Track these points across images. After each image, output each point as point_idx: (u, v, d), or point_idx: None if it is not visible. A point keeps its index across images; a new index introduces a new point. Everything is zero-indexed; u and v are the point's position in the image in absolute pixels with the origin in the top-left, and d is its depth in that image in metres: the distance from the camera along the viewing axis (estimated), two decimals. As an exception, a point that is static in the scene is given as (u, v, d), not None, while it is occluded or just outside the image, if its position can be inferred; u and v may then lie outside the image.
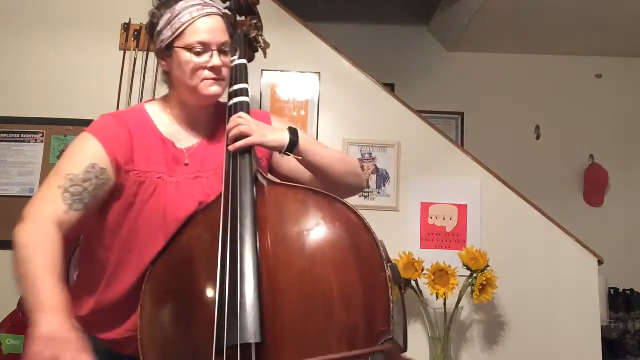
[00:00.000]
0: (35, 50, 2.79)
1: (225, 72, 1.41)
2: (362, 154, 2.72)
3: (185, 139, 1.45)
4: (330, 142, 2.71)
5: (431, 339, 2.46)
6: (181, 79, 1.39)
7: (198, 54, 1.36)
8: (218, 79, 1.39)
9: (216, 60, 1.37)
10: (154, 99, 1.54)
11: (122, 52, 2.77)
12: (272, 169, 1.56)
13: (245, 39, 1.60)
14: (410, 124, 2.78)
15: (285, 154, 1.41)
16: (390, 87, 3.51)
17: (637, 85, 4.46)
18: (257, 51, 1.66)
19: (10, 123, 2.73)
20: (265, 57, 1.66)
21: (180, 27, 1.35)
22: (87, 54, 2.79)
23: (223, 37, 1.39)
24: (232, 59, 1.46)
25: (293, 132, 1.42)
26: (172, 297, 1.32)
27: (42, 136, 2.73)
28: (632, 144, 4.39)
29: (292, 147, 1.41)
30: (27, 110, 2.74)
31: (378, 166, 2.71)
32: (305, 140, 1.44)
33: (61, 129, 2.72)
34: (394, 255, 2.46)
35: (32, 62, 2.79)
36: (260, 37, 1.63)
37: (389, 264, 1.23)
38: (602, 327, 2.67)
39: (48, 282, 1.14)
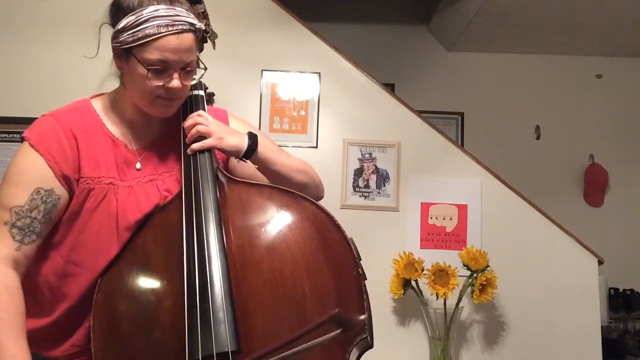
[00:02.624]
0: (35, 51, 2.79)
1: (183, 93, 1.29)
2: (362, 154, 2.72)
3: (137, 139, 1.33)
4: (330, 142, 2.71)
5: (431, 339, 2.46)
6: (132, 90, 1.28)
7: (157, 71, 1.22)
8: (173, 100, 1.27)
9: (175, 82, 1.23)
10: (101, 94, 1.40)
11: (122, 52, 2.77)
12: (227, 171, 1.44)
13: None
14: (410, 124, 2.78)
15: (241, 159, 1.33)
16: (390, 87, 3.51)
17: (637, 85, 4.46)
18: (206, 41, 1.57)
19: (10, 123, 2.73)
20: (214, 48, 1.57)
21: (143, 37, 1.20)
22: (86, 54, 2.79)
23: (189, 56, 1.24)
24: (196, 77, 1.32)
25: (252, 138, 1.32)
26: (131, 306, 1.22)
27: (42, 136, 2.73)
28: (632, 144, 4.39)
29: (250, 153, 1.31)
30: (27, 110, 2.74)
31: (378, 166, 2.71)
32: (264, 147, 1.34)
33: (61, 129, 2.72)
34: (394, 255, 2.46)
35: (32, 62, 2.79)
36: (208, 27, 1.50)
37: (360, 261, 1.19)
38: (602, 327, 2.67)
39: (13, 352, 1.09)
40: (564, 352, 2.58)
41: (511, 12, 3.82)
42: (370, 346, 1.17)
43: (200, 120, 1.31)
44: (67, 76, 2.77)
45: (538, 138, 4.40)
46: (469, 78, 4.42)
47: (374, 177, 2.71)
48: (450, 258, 2.49)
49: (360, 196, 2.68)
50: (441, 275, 2.42)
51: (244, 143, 1.31)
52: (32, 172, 1.22)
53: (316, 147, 2.72)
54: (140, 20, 1.20)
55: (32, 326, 1.23)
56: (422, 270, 2.44)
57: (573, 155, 4.36)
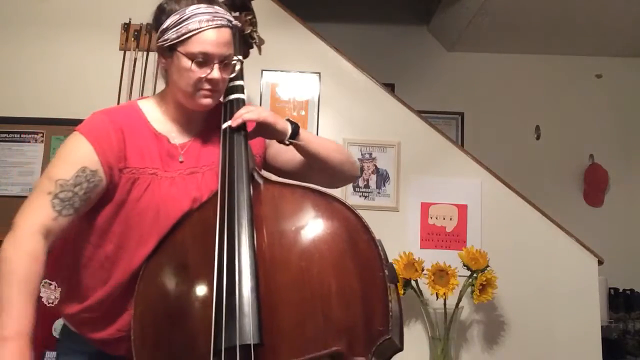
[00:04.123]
0: (35, 51, 2.79)
1: (222, 85, 1.39)
2: (362, 154, 2.72)
3: (179, 136, 1.43)
4: (330, 142, 2.71)
5: (431, 339, 2.46)
6: (177, 83, 1.37)
7: (199, 64, 1.33)
8: (213, 91, 1.38)
9: (215, 73, 1.34)
10: (147, 96, 1.52)
11: (122, 52, 2.78)
12: (266, 164, 1.57)
13: (239, 35, 1.57)
14: (410, 124, 2.78)
15: (287, 141, 1.42)
16: (390, 87, 3.51)
17: (637, 85, 4.46)
18: (252, 47, 1.63)
19: (10, 123, 2.74)
20: (260, 53, 1.65)
21: (187, 33, 1.32)
22: (87, 54, 2.79)
23: (227, 50, 1.36)
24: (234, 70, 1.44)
25: (292, 122, 1.44)
26: (167, 297, 1.30)
27: (42, 136, 2.73)
28: (632, 144, 4.38)
29: (294, 134, 1.42)
30: (27, 110, 2.74)
31: (378, 166, 2.71)
32: (304, 131, 1.47)
33: (61, 129, 2.72)
34: (394, 255, 2.46)
35: (32, 62, 2.79)
36: (255, 34, 1.61)
37: (387, 264, 1.22)
38: (602, 327, 2.67)
39: (16, 304, 1.16)
40: (564, 352, 2.58)
41: (511, 12, 3.83)
42: (400, 349, 1.21)
43: (250, 108, 1.42)
44: (67, 76, 2.78)
45: (538, 138, 4.40)
46: (469, 78, 4.42)
47: (374, 177, 2.71)
48: (450, 258, 2.49)
49: (360, 196, 2.68)
50: (441, 275, 2.42)
51: (288, 125, 1.42)
52: (81, 153, 1.32)
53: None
54: (183, 18, 1.32)
55: (79, 308, 1.36)
56: (422, 270, 2.44)
57: (573, 155, 4.36)
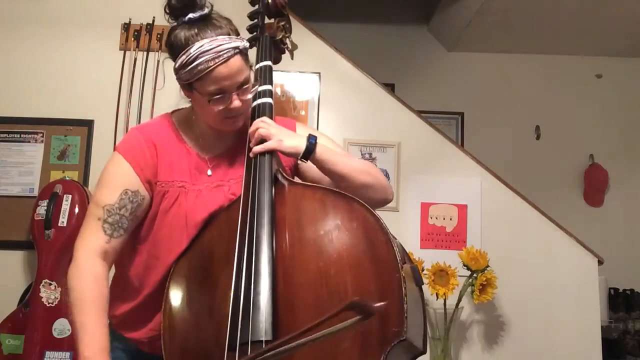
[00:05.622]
0: (35, 51, 2.79)
1: (245, 108, 1.41)
2: (362, 154, 2.72)
3: (209, 150, 1.47)
4: (330, 142, 2.71)
5: (431, 339, 2.46)
6: (201, 115, 1.43)
7: (217, 100, 1.35)
8: (238, 116, 1.41)
9: (236, 103, 1.37)
10: (181, 108, 1.54)
11: (122, 52, 2.78)
12: (297, 174, 1.57)
13: (271, 41, 1.59)
14: (410, 124, 2.78)
15: (301, 160, 1.42)
16: (390, 87, 3.51)
17: (637, 85, 4.46)
18: (284, 52, 1.65)
19: (10, 123, 2.74)
20: (292, 58, 1.66)
21: (197, 74, 1.33)
22: (87, 54, 2.79)
23: (241, 76, 1.37)
24: (255, 87, 1.44)
25: (311, 140, 1.40)
26: (193, 295, 1.36)
27: (42, 136, 2.73)
28: (632, 144, 4.38)
29: (308, 154, 1.39)
30: (27, 110, 2.75)
31: (378, 166, 2.71)
32: (324, 149, 1.42)
33: (61, 129, 2.72)
34: (394, 255, 2.46)
35: (32, 62, 2.79)
36: (287, 39, 1.62)
37: (410, 265, 1.23)
38: (602, 327, 2.67)
39: (91, 327, 1.27)
40: (564, 352, 2.58)
41: (511, 12, 3.83)
42: (422, 351, 1.22)
43: (261, 124, 1.41)
44: (68, 76, 2.78)
45: (538, 138, 4.40)
46: (469, 78, 4.42)
47: (374, 177, 2.70)
48: (450, 258, 2.49)
49: (360, 196, 2.68)
50: (441, 275, 2.42)
51: (302, 145, 1.40)
52: (121, 176, 1.40)
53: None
54: (190, 59, 1.33)
55: (122, 310, 1.45)
56: (422, 270, 2.44)
57: (573, 155, 4.36)
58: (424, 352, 1.23)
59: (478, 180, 2.71)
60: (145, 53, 2.77)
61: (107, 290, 1.34)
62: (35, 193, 2.62)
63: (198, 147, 1.46)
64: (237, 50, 1.36)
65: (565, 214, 2.99)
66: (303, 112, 2.76)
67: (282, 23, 1.62)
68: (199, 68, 1.32)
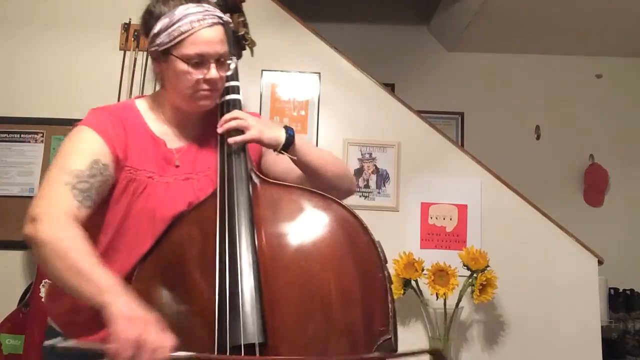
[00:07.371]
0: (35, 50, 2.79)
1: (220, 84, 1.38)
2: (362, 154, 2.72)
3: (175, 140, 1.41)
4: (330, 142, 2.71)
5: (431, 339, 2.46)
6: (175, 86, 1.35)
7: (196, 65, 1.31)
8: (212, 91, 1.36)
9: (213, 72, 1.32)
10: (144, 95, 1.49)
11: (122, 52, 2.78)
12: (260, 171, 1.49)
13: (233, 37, 1.56)
14: (410, 124, 2.78)
15: (280, 152, 1.38)
16: (390, 87, 3.51)
17: (637, 85, 4.45)
18: (245, 49, 1.63)
19: (10, 123, 2.74)
20: (252, 55, 1.63)
21: (179, 35, 1.29)
22: (87, 54, 2.79)
23: (222, 47, 1.34)
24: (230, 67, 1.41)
25: (290, 131, 1.39)
26: (164, 298, 1.27)
27: (42, 136, 2.73)
28: (632, 144, 4.38)
29: (288, 145, 1.38)
30: (27, 110, 2.75)
31: (378, 166, 2.71)
32: (300, 139, 1.41)
33: (61, 129, 2.72)
34: (394, 255, 2.46)
35: (32, 62, 2.79)
36: (247, 35, 1.60)
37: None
38: (602, 327, 2.66)
39: (97, 269, 1.11)
40: (564, 352, 2.58)
41: (511, 12, 3.82)
42: (394, 349, 1.20)
43: (239, 115, 1.38)
44: (67, 76, 2.78)
45: (538, 138, 4.40)
46: (469, 78, 4.41)
47: (374, 177, 2.71)
48: (450, 258, 2.49)
49: (360, 196, 2.68)
50: (441, 275, 2.42)
51: (282, 136, 1.37)
52: (92, 144, 1.27)
53: (316, 147, 2.72)
54: (174, 20, 1.29)
55: (69, 307, 1.28)
56: (422, 270, 2.44)
57: (573, 155, 4.35)
58: (395, 350, 1.21)
59: (478, 180, 2.71)
60: (145, 53, 2.77)
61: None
62: (35, 193, 2.62)
63: (164, 136, 1.39)
64: (222, 21, 1.35)
65: (565, 214, 2.98)
66: (303, 112, 2.76)
67: (241, 19, 1.60)
68: (182, 29, 1.29)
